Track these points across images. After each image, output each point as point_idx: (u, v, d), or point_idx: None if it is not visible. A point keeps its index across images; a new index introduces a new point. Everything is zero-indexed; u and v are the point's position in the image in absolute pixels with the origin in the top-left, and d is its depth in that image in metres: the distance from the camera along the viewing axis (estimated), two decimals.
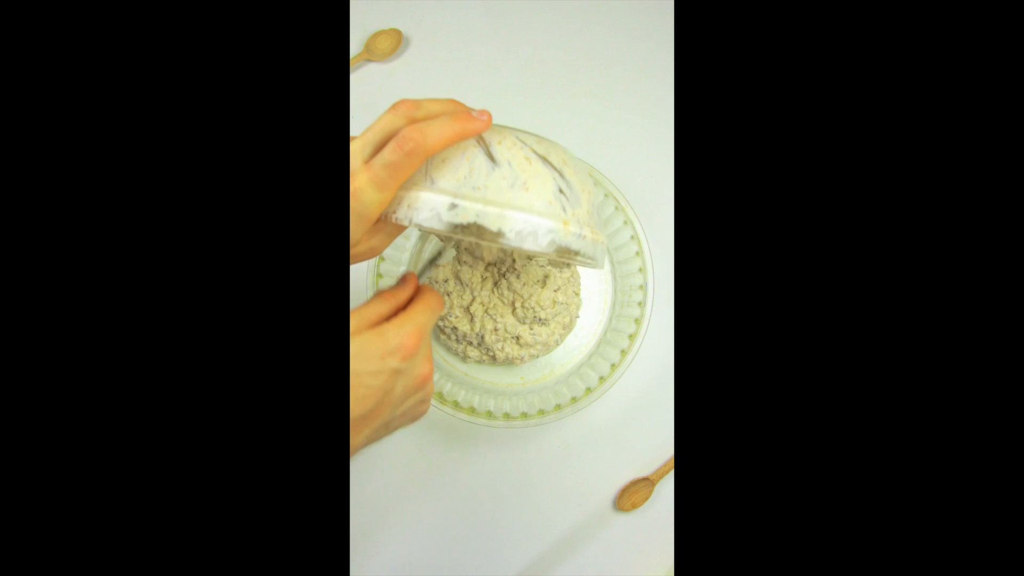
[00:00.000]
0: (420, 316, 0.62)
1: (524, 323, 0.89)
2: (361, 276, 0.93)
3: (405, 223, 0.60)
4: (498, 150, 0.62)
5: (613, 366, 0.90)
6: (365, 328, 0.60)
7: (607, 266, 0.96)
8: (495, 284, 0.89)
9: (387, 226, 0.62)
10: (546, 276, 0.89)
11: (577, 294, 0.92)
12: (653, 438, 0.97)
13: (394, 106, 0.60)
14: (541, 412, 0.88)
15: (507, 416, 0.88)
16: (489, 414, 0.88)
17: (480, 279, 0.90)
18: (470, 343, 0.91)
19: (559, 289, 0.89)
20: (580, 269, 0.94)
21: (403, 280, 0.67)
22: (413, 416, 0.64)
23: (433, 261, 0.82)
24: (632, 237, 0.91)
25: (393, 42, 1.02)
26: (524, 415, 0.88)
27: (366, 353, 0.58)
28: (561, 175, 0.63)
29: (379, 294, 0.64)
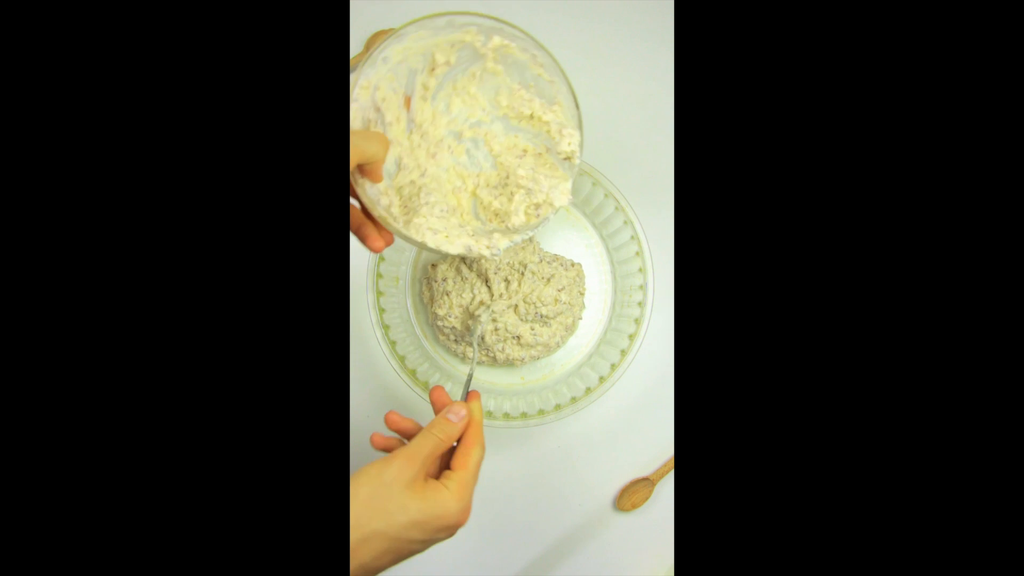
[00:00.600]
0: (473, 480, 0.62)
1: (526, 321, 0.89)
2: (360, 276, 0.93)
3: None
4: None
5: (613, 366, 0.90)
6: (422, 474, 0.59)
7: (607, 266, 0.96)
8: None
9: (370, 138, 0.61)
10: (552, 275, 0.89)
11: (582, 294, 0.92)
12: (653, 438, 0.97)
13: None
14: (541, 412, 0.88)
15: (507, 416, 0.88)
16: (489, 414, 0.88)
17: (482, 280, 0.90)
18: (469, 344, 0.91)
19: (563, 288, 0.89)
20: (584, 269, 0.94)
21: (452, 411, 0.65)
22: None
23: (470, 380, 0.79)
24: (632, 237, 0.91)
25: None
26: (524, 415, 0.88)
27: (424, 526, 0.57)
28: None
29: (430, 430, 0.63)
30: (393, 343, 0.89)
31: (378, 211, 0.63)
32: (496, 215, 0.74)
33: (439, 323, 0.90)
